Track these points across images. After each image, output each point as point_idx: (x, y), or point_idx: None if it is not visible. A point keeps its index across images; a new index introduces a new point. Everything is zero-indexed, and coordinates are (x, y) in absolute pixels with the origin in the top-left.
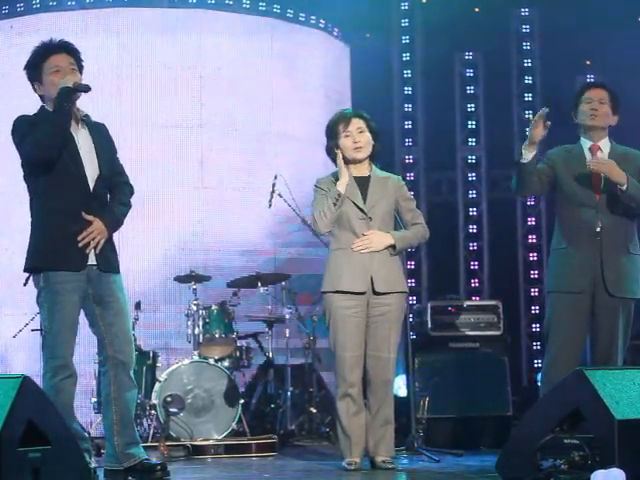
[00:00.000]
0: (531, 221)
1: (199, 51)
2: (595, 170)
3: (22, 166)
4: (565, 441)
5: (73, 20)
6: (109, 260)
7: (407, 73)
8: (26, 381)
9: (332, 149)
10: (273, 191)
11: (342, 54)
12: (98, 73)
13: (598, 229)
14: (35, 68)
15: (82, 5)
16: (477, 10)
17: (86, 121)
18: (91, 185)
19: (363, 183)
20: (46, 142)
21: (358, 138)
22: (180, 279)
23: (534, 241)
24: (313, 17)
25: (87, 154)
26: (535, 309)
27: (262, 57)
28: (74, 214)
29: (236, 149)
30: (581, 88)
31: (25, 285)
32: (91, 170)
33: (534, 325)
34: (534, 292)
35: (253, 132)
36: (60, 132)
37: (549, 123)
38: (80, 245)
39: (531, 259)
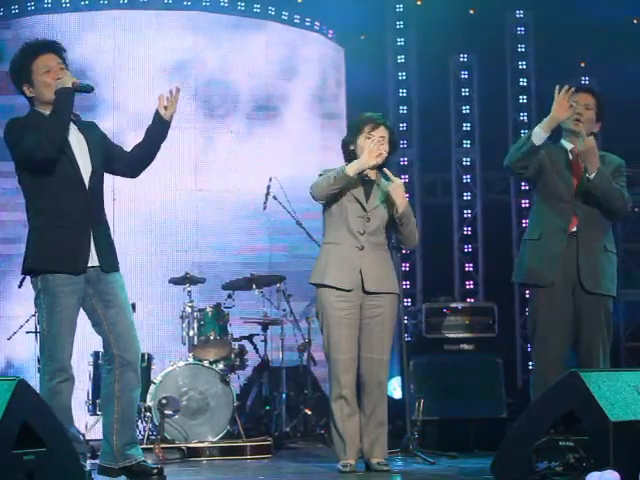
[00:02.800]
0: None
1: (194, 53)
2: (581, 149)
3: (16, 168)
4: (560, 443)
5: (68, 22)
6: (110, 260)
7: (402, 75)
8: (21, 383)
9: (348, 144)
10: (268, 193)
11: (337, 56)
12: (93, 75)
13: (575, 224)
14: (24, 70)
15: (77, 7)
16: (472, 12)
17: (76, 120)
18: (86, 183)
19: (368, 185)
20: (48, 143)
21: (379, 145)
22: (175, 281)
23: None
24: (308, 19)
25: (80, 152)
26: None
27: (257, 59)
28: (72, 214)
29: (230, 151)
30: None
31: (20, 287)
32: (85, 167)
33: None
34: (529, 294)
35: (247, 134)
36: (61, 133)
37: (574, 104)
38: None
39: None
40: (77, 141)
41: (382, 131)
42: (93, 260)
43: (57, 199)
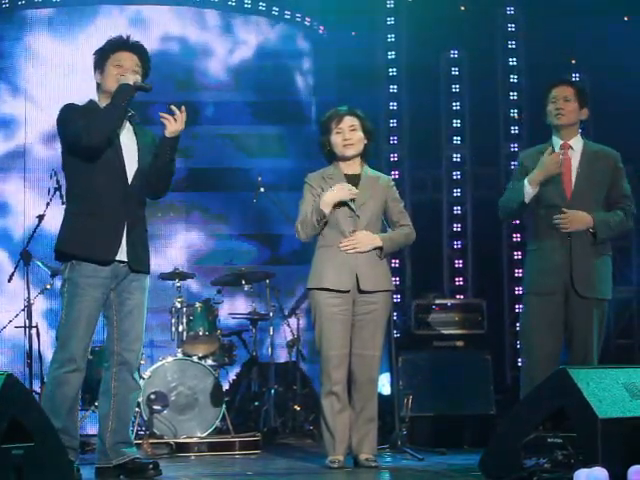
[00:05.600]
0: (515, 221)
1: (184, 48)
2: (563, 229)
3: (62, 153)
4: (548, 440)
5: (59, 17)
6: (141, 259)
7: (393, 71)
8: (10, 378)
9: (324, 144)
10: (258, 187)
11: (327, 52)
12: (88, 70)
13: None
14: (102, 57)
15: (67, 2)
16: (463, 9)
17: (131, 119)
18: (130, 179)
19: (353, 181)
20: (96, 130)
21: (349, 135)
22: (164, 276)
23: (518, 239)
24: (299, 15)
25: (128, 149)
26: (519, 308)
27: (247, 55)
28: (109, 205)
29: (221, 148)
30: (547, 87)
31: (9, 281)
32: (131, 164)
33: (518, 324)
34: (518, 291)
35: (238, 131)
36: (111, 124)
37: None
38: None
39: (515, 258)
40: (128, 138)
41: (349, 120)
42: (122, 254)
43: (97, 188)
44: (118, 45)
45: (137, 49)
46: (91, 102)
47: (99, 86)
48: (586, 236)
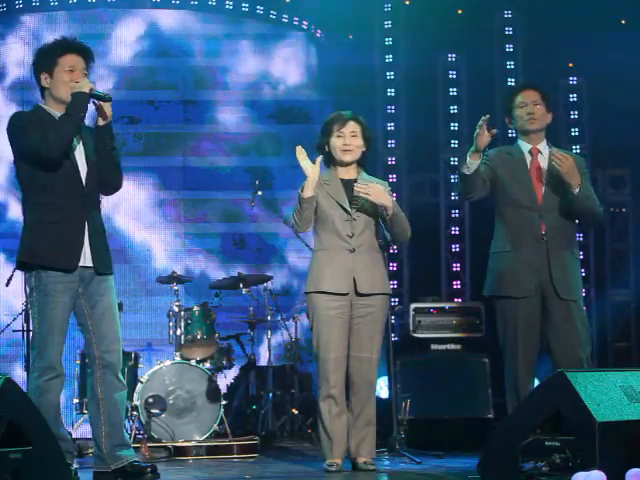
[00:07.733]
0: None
1: (183, 53)
2: (559, 166)
3: (15, 161)
4: (546, 443)
5: (56, 20)
6: (105, 262)
7: (390, 75)
8: (7, 382)
9: (322, 146)
10: (255, 191)
11: (325, 55)
12: None
13: (543, 232)
14: (49, 59)
15: (66, 6)
16: (460, 12)
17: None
18: (83, 181)
19: (349, 185)
20: (57, 143)
21: (349, 141)
22: (162, 280)
23: None
24: (296, 18)
25: (78, 151)
26: None
27: (244, 59)
28: (69, 210)
29: (218, 151)
30: (512, 92)
31: (7, 286)
32: (82, 166)
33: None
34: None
35: (234, 134)
36: (71, 135)
37: (495, 131)
38: None
39: None
40: (77, 142)
41: (352, 126)
42: (87, 259)
43: (55, 194)
44: (66, 47)
45: (85, 52)
46: (39, 108)
47: (47, 90)
48: (561, 237)
